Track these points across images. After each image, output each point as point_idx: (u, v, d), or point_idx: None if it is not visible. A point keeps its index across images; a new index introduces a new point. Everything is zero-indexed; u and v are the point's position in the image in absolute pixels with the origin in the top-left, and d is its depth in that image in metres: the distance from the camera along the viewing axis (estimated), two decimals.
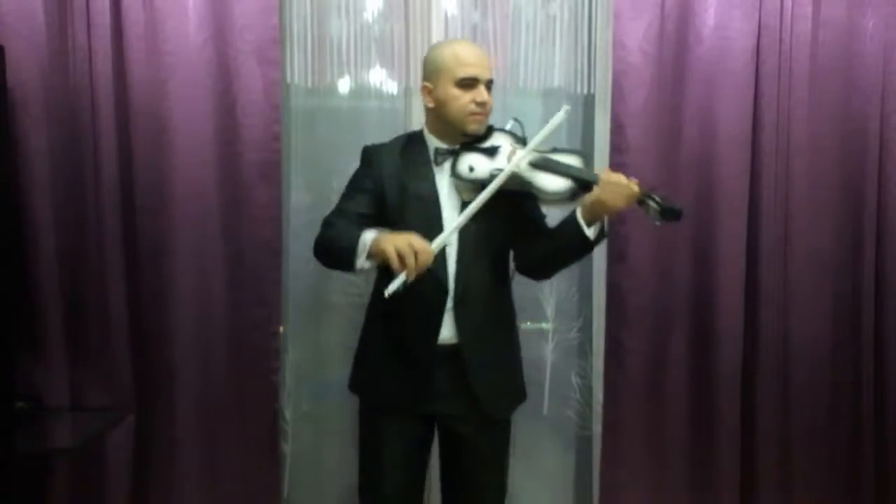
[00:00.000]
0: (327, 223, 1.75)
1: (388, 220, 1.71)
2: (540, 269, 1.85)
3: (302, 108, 2.25)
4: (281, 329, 2.15)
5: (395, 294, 1.55)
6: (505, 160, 1.68)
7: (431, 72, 1.73)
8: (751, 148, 2.19)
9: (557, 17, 2.25)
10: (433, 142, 1.76)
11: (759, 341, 2.23)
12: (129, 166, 2.01)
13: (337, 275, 2.23)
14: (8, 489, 1.78)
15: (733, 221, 2.18)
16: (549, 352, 2.33)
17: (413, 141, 1.80)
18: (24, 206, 1.93)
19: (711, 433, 2.24)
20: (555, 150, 1.72)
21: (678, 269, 2.21)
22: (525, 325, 2.31)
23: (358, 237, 1.63)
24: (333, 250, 1.70)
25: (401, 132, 2.22)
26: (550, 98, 2.31)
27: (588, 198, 1.61)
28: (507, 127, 1.78)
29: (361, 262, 1.62)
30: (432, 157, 1.74)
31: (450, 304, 1.70)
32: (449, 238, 1.63)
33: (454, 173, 1.69)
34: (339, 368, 2.26)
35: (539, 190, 1.66)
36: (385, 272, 1.66)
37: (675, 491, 2.26)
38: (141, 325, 2.05)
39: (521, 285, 2.24)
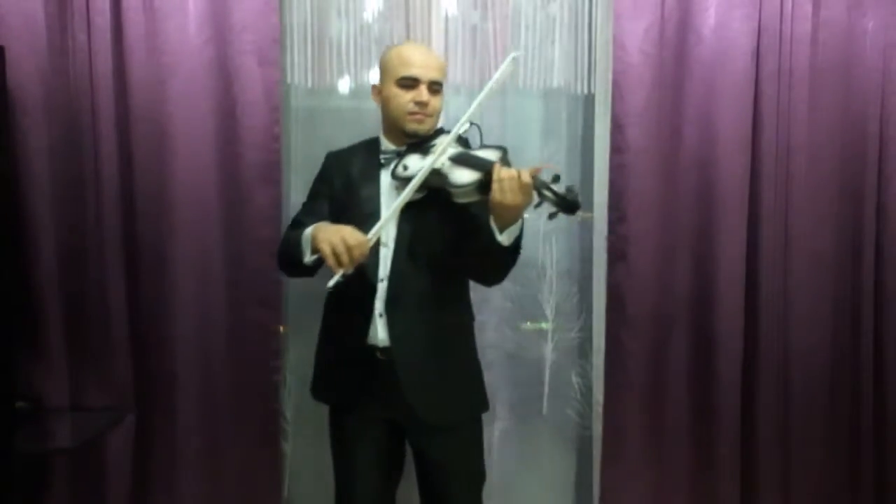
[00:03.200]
0: (284, 236, 1.80)
1: (337, 222, 1.71)
2: (472, 274, 1.78)
3: (302, 108, 2.24)
4: (281, 329, 2.14)
5: (338, 286, 1.54)
6: (433, 157, 1.65)
7: (381, 72, 1.77)
8: (751, 148, 2.19)
9: (557, 17, 2.25)
10: (385, 144, 1.78)
11: (759, 341, 2.23)
12: (129, 167, 2.01)
13: None
14: (8, 489, 1.78)
15: (733, 222, 2.18)
16: (549, 352, 2.33)
17: (369, 144, 1.83)
18: (24, 206, 1.93)
19: (711, 433, 2.24)
20: (481, 147, 1.69)
21: (678, 269, 2.21)
22: (525, 325, 2.32)
23: (303, 232, 1.66)
24: (286, 253, 1.73)
25: None
26: (550, 98, 2.31)
27: (489, 200, 1.54)
28: (461, 129, 1.70)
29: (308, 257, 1.63)
30: (381, 160, 1.76)
31: (382, 307, 1.69)
32: (382, 228, 1.61)
33: (392, 174, 1.69)
34: None
35: (450, 183, 1.60)
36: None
37: (676, 491, 2.26)
38: (141, 325, 2.05)
39: (521, 285, 2.27)
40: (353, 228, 1.57)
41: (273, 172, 2.05)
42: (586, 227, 2.33)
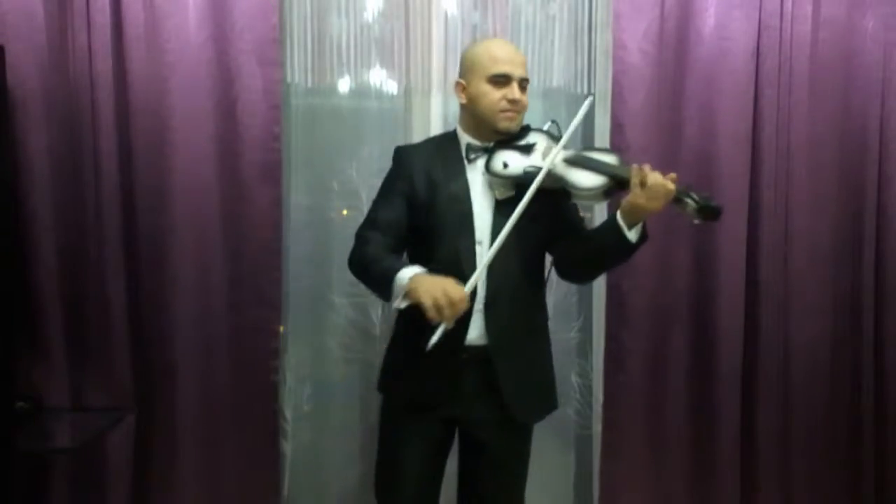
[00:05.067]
0: (361, 238, 1.72)
1: (419, 220, 1.70)
2: (581, 272, 1.82)
3: (302, 108, 2.24)
4: (281, 329, 2.14)
5: (439, 344, 1.51)
6: (540, 157, 1.67)
7: (466, 69, 1.73)
8: (751, 147, 2.19)
9: (557, 17, 2.25)
10: (466, 139, 1.75)
11: (760, 340, 2.24)
12: (129, 166, 2.01)
13: (337, 275, 2.24)
14: (8, 489, 1.78)
15: (733, 221, 2.19)
16: None
17: (446, 139, 1.80)
18: (24, 206, 1.93)
19: (711, 432, 2.25)
20: (588, 149, 1.73)
21: (678, 268, 2.21)
22: None
23: (394, 273, 1.56)
24: (371, 280, 1.68)
25: (401, 132, 2.24)
26: (550, 98, 2.31)
27: (626, 201, 1.57)
28: (545, 128, 1.75)
29: (398, 303, 1.57)
30: (464, 155, 1.73)
31: (480, 305, 1.67)
32: (480, 276, 1.59)
33: (488, 170, 1.67)
34: (339, 368, 2.27)
35: (573, 186, 1.63)
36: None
37: (676, 490, 2.26)
38: (141, 325, 2.05)
39: None
40: (454, 282, 1.51)
41: (273, 172, 2.05)
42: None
